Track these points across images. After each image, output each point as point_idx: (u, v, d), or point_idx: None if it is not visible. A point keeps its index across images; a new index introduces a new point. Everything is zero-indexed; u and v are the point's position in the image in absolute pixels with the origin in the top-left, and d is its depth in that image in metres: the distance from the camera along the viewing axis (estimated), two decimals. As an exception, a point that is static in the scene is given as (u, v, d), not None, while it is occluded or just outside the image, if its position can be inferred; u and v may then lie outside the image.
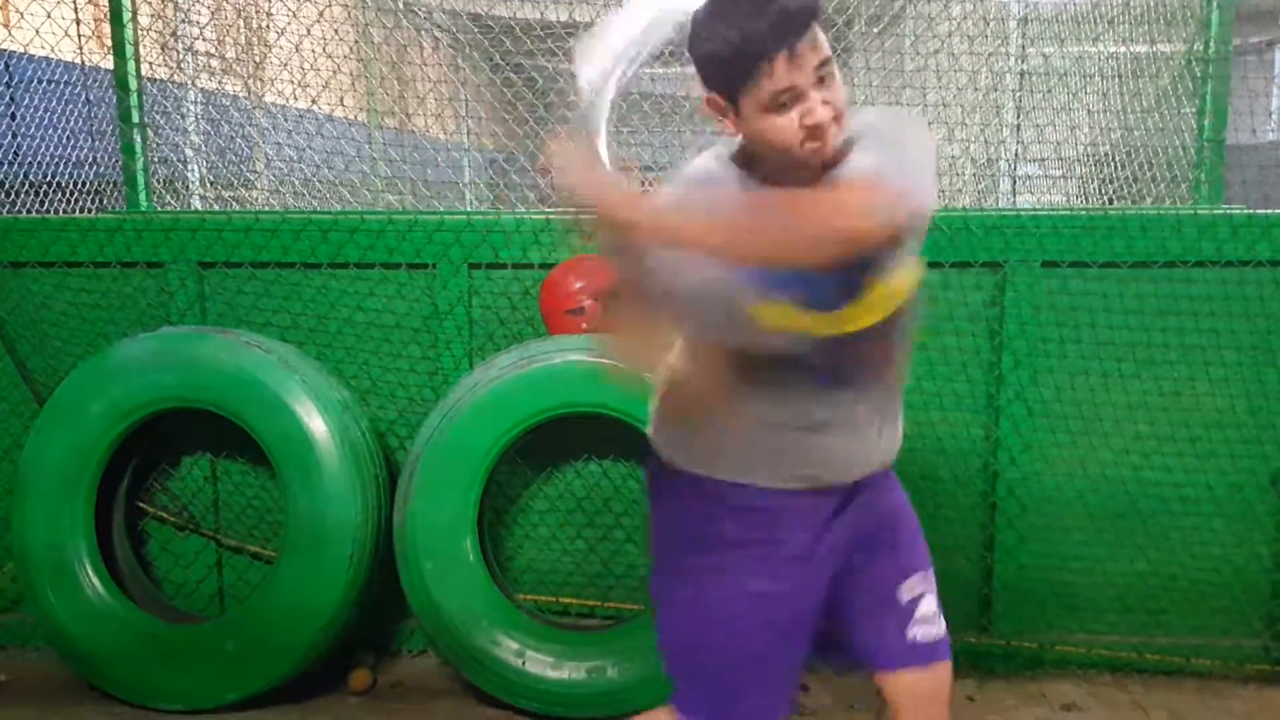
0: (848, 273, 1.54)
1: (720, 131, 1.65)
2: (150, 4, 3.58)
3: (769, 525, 1.74)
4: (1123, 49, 3.97)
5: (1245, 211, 3.18)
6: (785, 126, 1.53)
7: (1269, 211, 3.11)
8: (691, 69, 1.64)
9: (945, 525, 3.14)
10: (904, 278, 1.62)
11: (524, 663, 2.86)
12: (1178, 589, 3.12)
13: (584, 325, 3.01)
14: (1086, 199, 4.24)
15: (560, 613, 3.23)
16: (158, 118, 3.60)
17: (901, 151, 1.55)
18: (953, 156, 3.92)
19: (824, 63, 1.53)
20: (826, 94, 1.53)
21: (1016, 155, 4.19)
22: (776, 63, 1.49)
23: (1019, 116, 4.11)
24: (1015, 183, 4.29)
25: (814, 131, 1.53)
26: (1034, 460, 3.09)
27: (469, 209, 4.04)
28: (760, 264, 1.51)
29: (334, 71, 3.52)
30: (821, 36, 1.53)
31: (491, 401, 2.87)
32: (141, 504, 3.28)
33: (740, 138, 1.64)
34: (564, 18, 3.52)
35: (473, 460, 2.88)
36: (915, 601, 1.83)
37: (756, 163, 1.64)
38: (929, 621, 1.83)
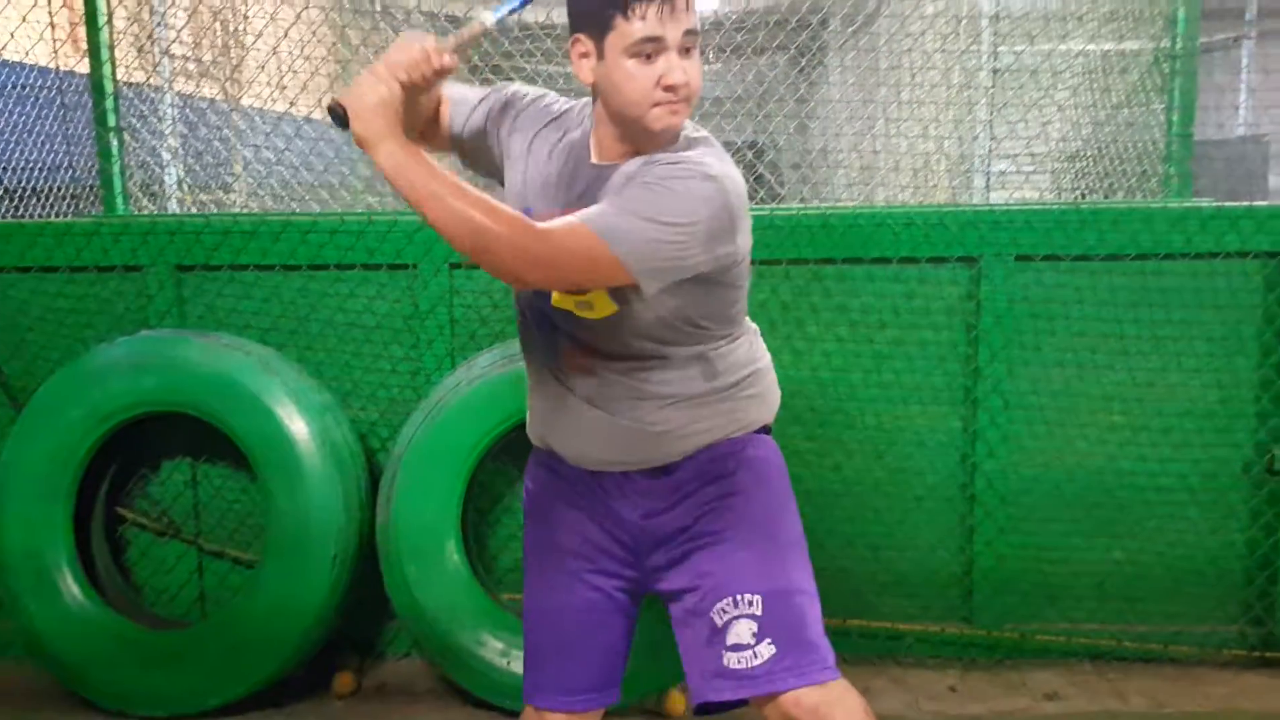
0: None
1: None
2: (126, 7, 3.55)
3: (537, 485, 1.91)
4: (1092, 46, 4.03)
5: (1214, 204, 3.23)
6: (642, 78, 1.57)
7: (1236, 204, 3.17)
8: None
9: (925, 517, 3.17)
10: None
11: (509, 662, 2.85)
12: (1154, 577, 3.16)
13: (565, 324, 3.01)
14: (1059, 194, 4.30)
15: (545, 612, 3.23)
16: (134, 121, 3.58)
17: (645, 203, 1.57)
18: (928, 153, 3.97)
19: (692, 33, 1.58)
20: (688, 65, 1.59)
21: (990, 152, 4.24)
22: (652, 7, 1.54)
23: (992, 113, 4.17)
24: (989, 179, 4.35)
25: (669, 91, 1.57)
26: (1011, 452, 3.13)
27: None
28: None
29: (312, 73, 3.52)
30: (694, 11, 1.58)
31: (474, 401, 2.88)
32: (121, 509, 3.26)
33: (593, 92, 1.67)
34: (542, 19, 3.54)
35: (455, 460, 2.87)
36: (729, 625, 1.73)
37: (602, 128, 1.68)
38: (744, 649, 1.71)
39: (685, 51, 1.58)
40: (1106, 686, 3.04)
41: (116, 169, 3.36)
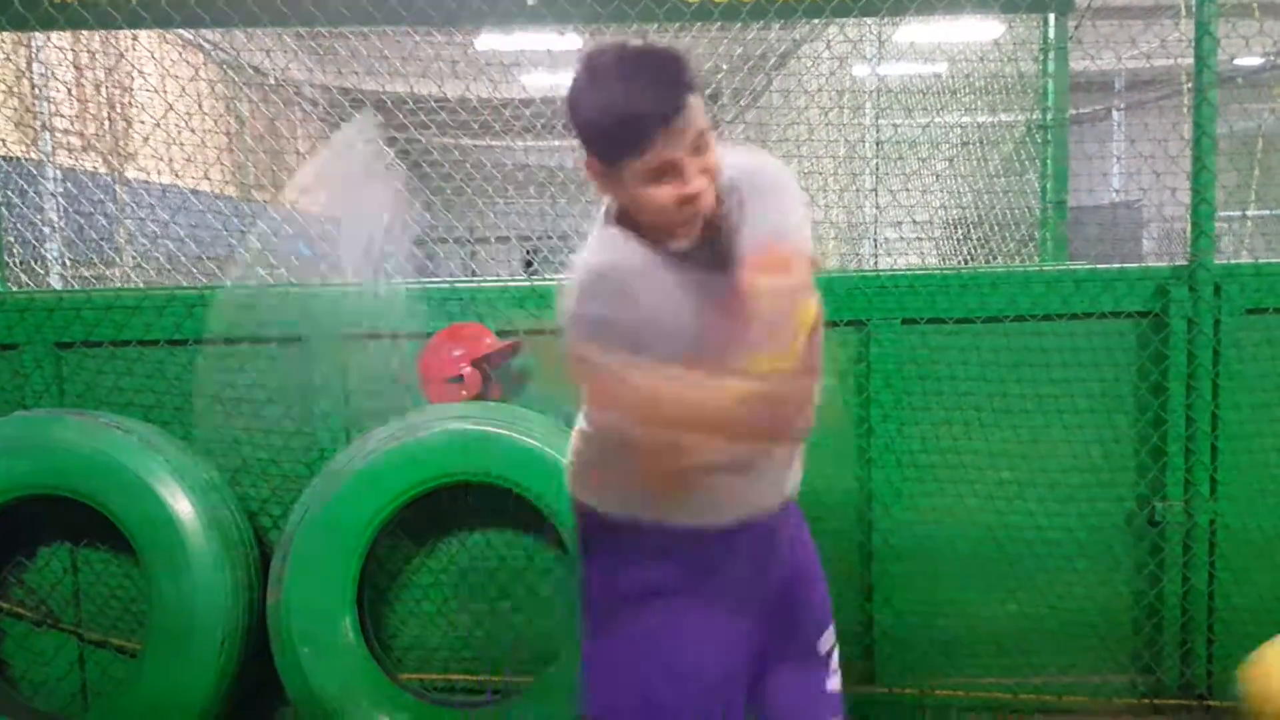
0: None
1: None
2: (3, 80, 3.48)
3: (711, 566, 1.80)
4: (967, 119, 4.22)
5: (1088, 267, 3.38)
6: (662, 197, 1.59)
7: (1109, 267, 3.32)
8: (562, 142, 1.70)
9: (826, 576, 3.19)
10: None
11: (408, 745, 2.78)
12: (1047, 629, 3.23)
13: (464, 393, 3.00)
14: (942, 260, 4.46)
15: (447, 690, 3.16)
16: (12, 196, 3.48)
17: (791, 217, 1.64)
18: (816, 221, 4.10)
19: (701, 132, 1.59)
20: (702, 161, 1.59)
21: (876, 219, 4.39)
22: (656, 139, 1.54)
23: (876, 183, 4.33)
24: (876, 245, 4.49)
25: (689, 200, 1.59)
26: (905, 509, 3.19)
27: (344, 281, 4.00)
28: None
29: (199, 145, 3.47)
30: (697, 107, 1.58)
31: (369, 475, 2.83)
32: (-5, 599, 3.11)
33: (614, 201, 1.69)
34: (434, 91, 3.57)
35: (350, 536, 2.82)
36: (830, 653, 1.92)
37: (638, 223, 1.67)
38: (838, 672, 1.94)
39: (696, 151, 1.58)
40: (1006, 741, 3.09)
41: (-7, 245, 3.25)
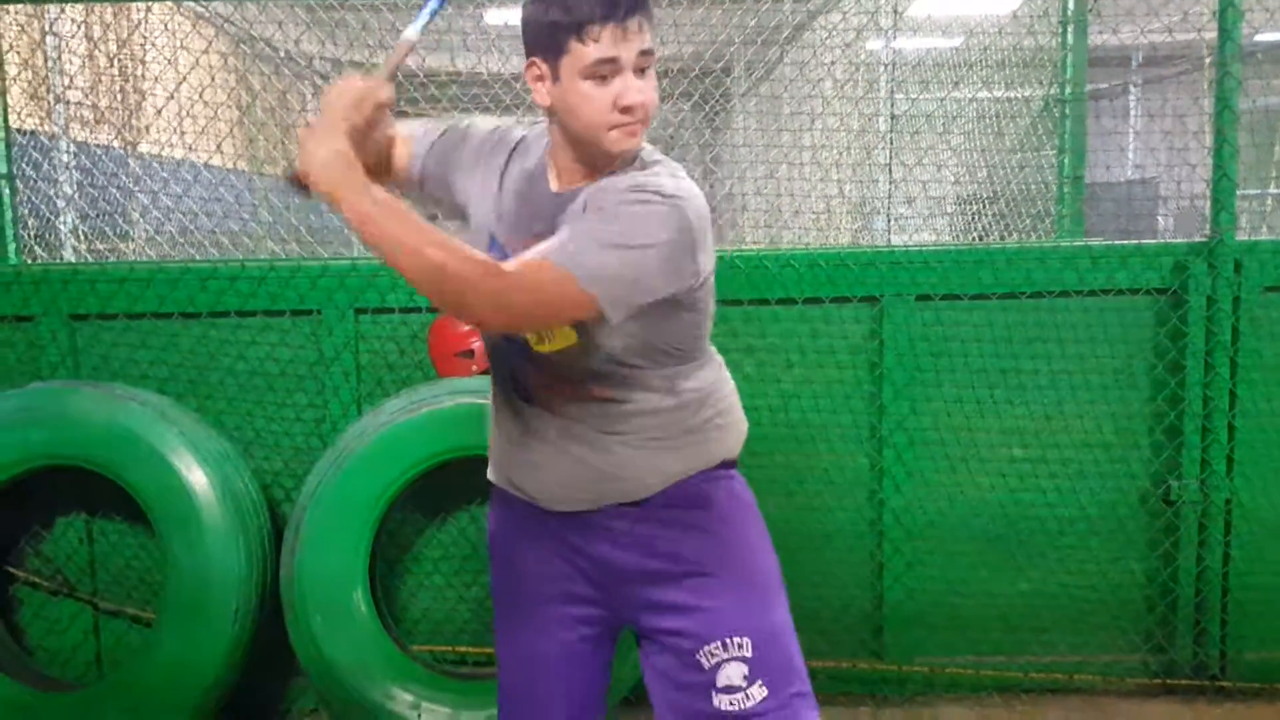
0: None
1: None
2: (18, 53, 3.48)
3: (500, 526, 1.88)
4: (985, 93, 4.18)
5: (1104, 243, 3.35)
6: (599, 99, 1.56)
7: (1126, 242, 3.28)
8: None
9: (836, 554, 3.20)
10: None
11: (420, 715, 2.80)
12: (1058, 608, 3.22)
13: (474, 368, 3.00)
14: (957, 235, 4.42)
15: (457, 662, 3.18)
16: (27, 169, 3.50)
17: (603, 231, 1.55)
18: (830, 197, 4.06)
19: (647, 52, 1.58)
20: (644, 85, 1.58)
21: (889, 195, 4.35)
22: (606, 29, 1.53)
23: (890, 158, 4.28)
24: (890, 221, 4.45)
25: (627, 111, 1.56)
26: (917, 487, 3.17)
27: (355, 255, 4.01)
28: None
29: (210, 118, 3.48)
30: (650, 29, 1.57)
31: (381, 448, 2.83)
32: (12, 569, 3.13)
33: (549, 116, 1.64)
34: (445, 64, 3.55)
35: (362, 509, 2.82)
36: (716, 669, 1.72)
37: (560, 153, 1.66)
38: (734, 690, 1.71)
39: (640, 71, 1.57)
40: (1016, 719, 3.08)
41: (8, 218, 3.27)
